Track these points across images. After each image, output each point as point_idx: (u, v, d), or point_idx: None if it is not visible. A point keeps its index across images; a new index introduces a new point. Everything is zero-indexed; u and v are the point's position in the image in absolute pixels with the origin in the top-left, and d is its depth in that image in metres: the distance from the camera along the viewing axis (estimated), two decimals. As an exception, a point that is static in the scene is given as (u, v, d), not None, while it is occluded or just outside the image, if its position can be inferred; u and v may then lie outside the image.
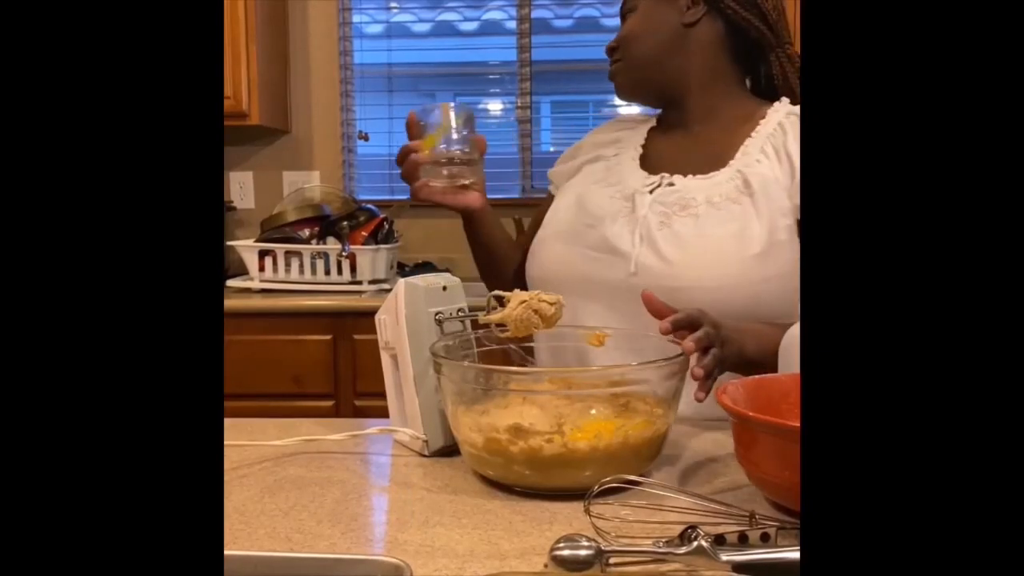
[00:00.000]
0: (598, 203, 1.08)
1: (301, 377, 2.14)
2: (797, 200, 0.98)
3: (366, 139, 2.78)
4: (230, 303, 2.13)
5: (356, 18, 2.76)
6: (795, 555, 0.58)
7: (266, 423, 1.03)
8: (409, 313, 0.89)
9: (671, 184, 1.05)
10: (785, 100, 1.08)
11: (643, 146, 1.14)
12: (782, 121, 1.04)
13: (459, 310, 0.93)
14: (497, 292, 0.90)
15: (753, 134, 1.05)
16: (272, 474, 0.84)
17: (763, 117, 1.07)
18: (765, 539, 0.63)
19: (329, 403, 2.15)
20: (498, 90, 2.82)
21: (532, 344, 0.99)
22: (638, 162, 1.12)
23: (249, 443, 0.93)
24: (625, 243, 1.02)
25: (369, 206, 2.45)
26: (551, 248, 1.11)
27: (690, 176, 1.05)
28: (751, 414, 0.70)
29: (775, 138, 1.03)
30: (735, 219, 0.99)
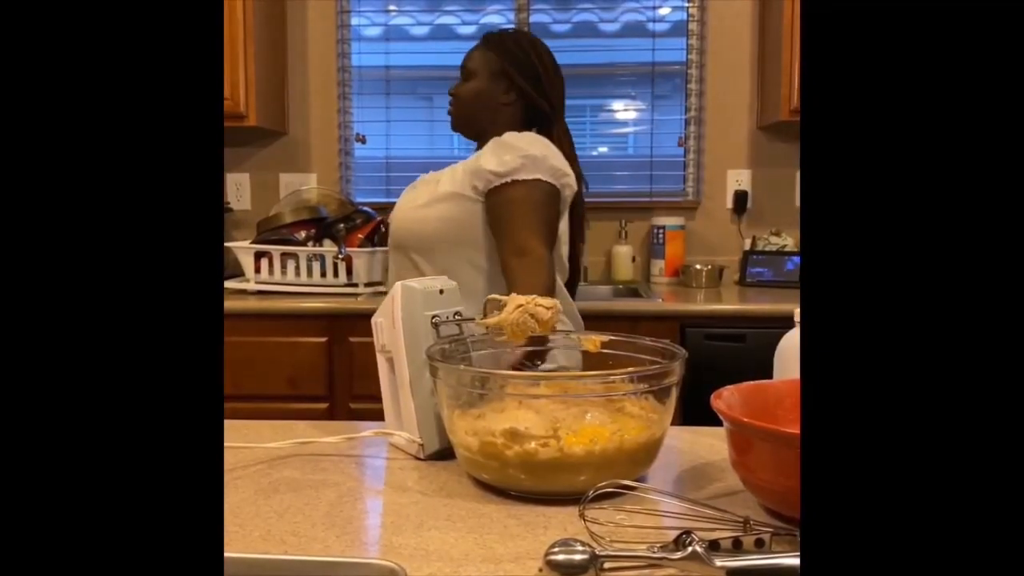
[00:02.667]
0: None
1: (296, 379, 2.14)
2: (474, 182, 1.46)
3: (363, 141, 2.78)
4: (226, 304, 2.13)
5: (354, 20, 2.76)
6: (790, 561, 0.58)
7: (261, 425, 1.03)
8: (406, 316, 0.89)
9: (423, 178, 1.63)
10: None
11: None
12: (490, 142, 1.51)
13: (455, 313, 0.93)
14: (494, 296, 0.90)
15: (473, 153, 1.57)
16: (267, 476, 0.84)
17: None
18: (759, 545, 0.63)
19: (324, 406, 2.14)
20: (496, 94, 2.82)
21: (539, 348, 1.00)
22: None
23: (244, 445, 0.93)
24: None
25: (366, 208, 2.45)
26: None
27: (432, 173, 1.62)
28: (746, 420, 0.71)
29: (482, 151, 1.51)
30: (421, 191, 1.55)
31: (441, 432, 0.88)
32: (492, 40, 1.62)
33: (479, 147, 1.60)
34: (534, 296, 0.88)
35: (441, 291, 0.92)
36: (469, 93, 1.60)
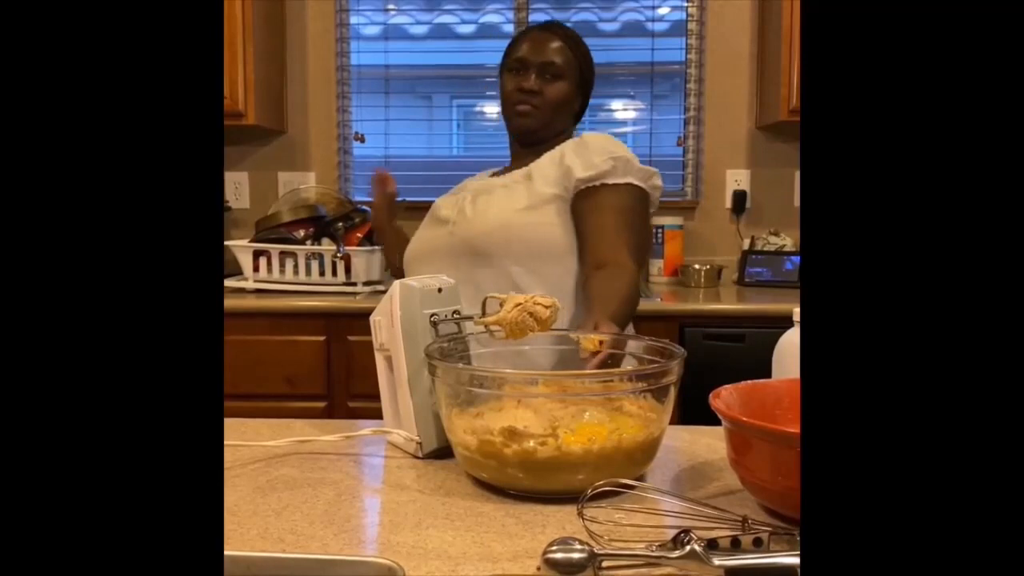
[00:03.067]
0: (444, 200, 1.52)
1: (294, 378, 2.14)
2: (565, 184, 1.35)
3: (362, 140, 2.78)
4: (224, 303, 2.12)
5: (353, 19, 2.76)
6: (788, 560, 0.58)
7: (259, 423, 1.03)
8: (404, 315, 0.88)
9: (483, 182, 1.51)
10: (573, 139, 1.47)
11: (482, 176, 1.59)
12: (564, 145, 1.44)
13: (454, 312, 0.93)
14: (493, 295, 0.90)
15: (558, 149, 1.44)
16: (265, 475, 0.84)
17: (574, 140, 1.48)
18: (758, 544, 0.63)
19: (322, 404, 2.14)
20: (495, 93, 2.81)
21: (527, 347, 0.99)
22: (484, 174, 1.57)
23: (242, 443, 0.93)
24: (449, 215, 1.44)
25: (364, 207, 2.45)
26: (417, 236, 1.54)
27: (506, 175, 1.48)
28: (744, 419, 0.71)
29: (556, 152, 1.42)
30: (512, 193, 1.39)
31: (440, 431, 0.88)
32: (571, 38, 1.49)
33: (531, 153, 1.47)
34: (533, 295, 0.88)
35: (439, 290, 0.92)
36: (560, 94, 1.45)
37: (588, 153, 1.36)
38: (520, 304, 0.86)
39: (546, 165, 1.41)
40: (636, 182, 1.35)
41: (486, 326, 0.88)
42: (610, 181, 1.34)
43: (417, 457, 0.89)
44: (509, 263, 1.34)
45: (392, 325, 0.89)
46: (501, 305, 0.88)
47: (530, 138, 1.48)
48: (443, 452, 0.88)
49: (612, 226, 1.31)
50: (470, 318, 0.92)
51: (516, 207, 1.36)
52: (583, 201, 1.34)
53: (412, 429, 0.89)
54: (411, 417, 0.89)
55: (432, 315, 0.90)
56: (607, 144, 1.38)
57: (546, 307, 0.86)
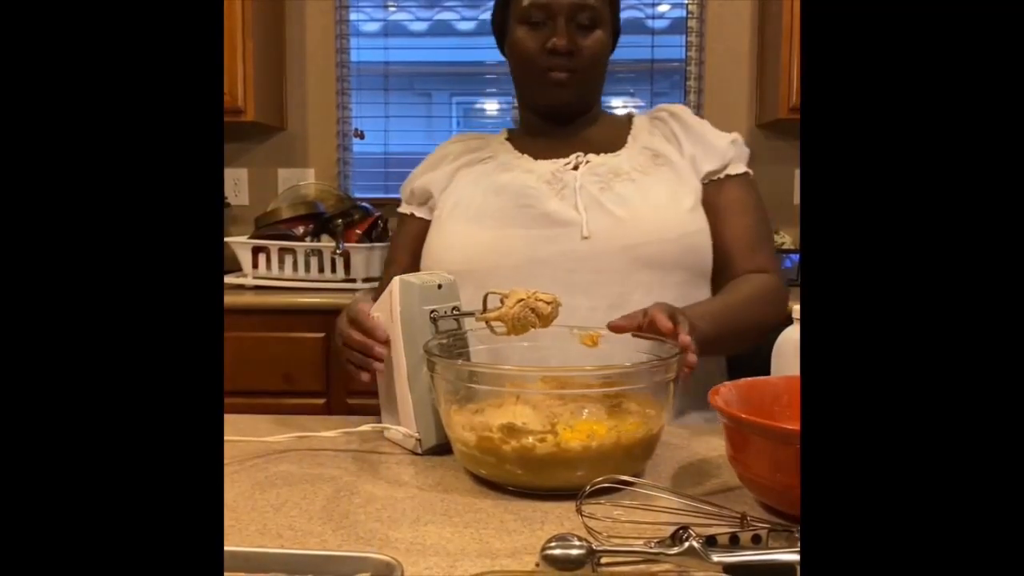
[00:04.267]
0: (520, 186, 1.09)
1: (293, 375, 2.14)
2: (693, 172, 1.11)
3: (362, 137, 2.77)
4: (223, 299, 2.12)
5: (353, 16, 2.76)
6: (786, 557, 0.58)
7: (258, 419, 1.03)
8: (404, 311, 0.88)
9: (589, 161, 1.11)
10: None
11: (515, 149, 1.18)
12: (658, 116, 1.17)
13: (454, 308, 0.93)
14: (494, 291, 0.90)
15: (634, 125, 1.17)
16: (263, 471, 0.84)
17: (629, 116, 1.20)
18: (756, 541, 0.63)
19: (321, 401, 2.14)
20: (495, 90, 2.82)
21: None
22: (527, 156, 1.15)
23: (241, 439, 0.93)
24: (570, 213, 1.05)
25: (364, 204, 2.44)
26: (481, 237, 1.08)
27: (602, 154, 1.12)
28: (743, 416, 0.71)
29: (659, 126, 1.16)
30: (664, 181, 1.08)
31: (439, 427, 0.88)
32: None
33: (567, 133, 1.15)
34: (535, 291, 0.87)
35: (440, 286, 0.91)
36: (599, 47, 1.10)
37: (701, 134, 1.12)
38: (523, 300, 0.86)
39: (661, 144, 1.12)
40: (748, 169, 1.14)
41: (487, 322, 0.88)
42: (733, 171, 1.11)
43: (416, 453, 0.89)
44: (676, 280, 1.04)
45: (392, 321, 0.89)
46: (502, 301, 0.88)
47: (563, 112, 1.14)
48: (442, 448, 0.88)
49: (755, 229, 1.09)
50: (471, 314, 0.92)
51: (685, 206, 1.06)
52: (711, 197, 1.10)
53: (411, 425, 0.89)
54: (410, 413, 0.89)
55: (432, 311, 0.90)
56: (705, 122, 1.15)
57: (547, 303, 0.86)
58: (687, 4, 2.69)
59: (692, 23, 2.68)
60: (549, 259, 1.04)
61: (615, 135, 1.16)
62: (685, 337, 0.82)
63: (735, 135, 1.15)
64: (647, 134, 1.14)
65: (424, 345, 0.86)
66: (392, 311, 0.89)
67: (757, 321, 1.05)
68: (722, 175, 1.11)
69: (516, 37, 1.11)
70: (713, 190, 1.10)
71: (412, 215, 1.23)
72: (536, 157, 1.14)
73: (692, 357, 0.82)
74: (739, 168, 1.12)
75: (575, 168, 1.10)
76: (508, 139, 1.21)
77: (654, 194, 1.06)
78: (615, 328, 0.88)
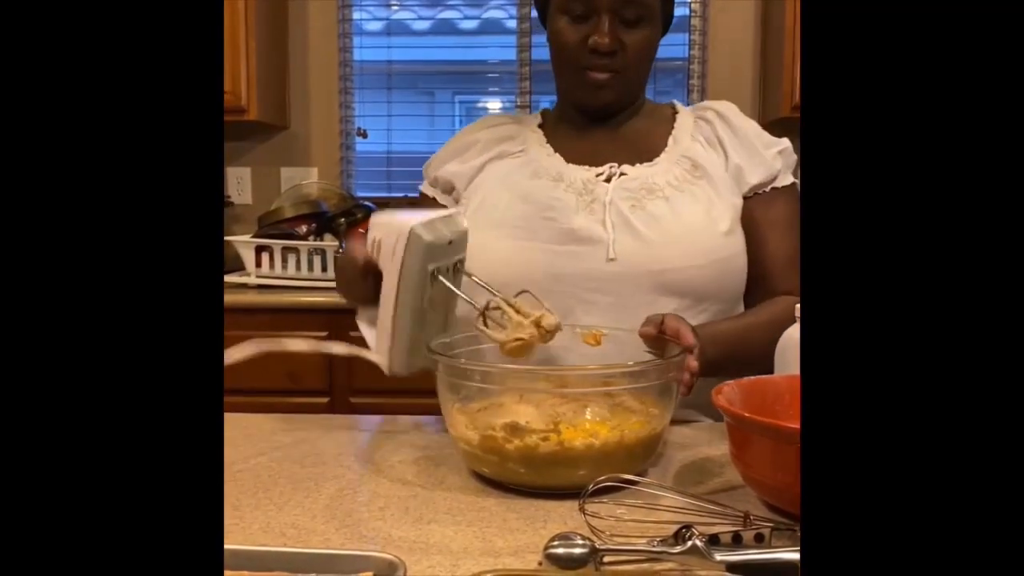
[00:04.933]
0: (547, 196, 1.03)
1: (296, 374, 2.14)
2: (736, 189, 1.04)
3: (365, 136, 2.77)
4: (226, 298, 2.12)
5: (356, 15, 2.76)
6: (789, 556, 0.58)
7: (261, 418, 1.03)
8: (407, 264, 0.85)
9: (623, 173, 1.05)
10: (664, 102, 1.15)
11: (548, 143, 1.11)
12: (703, 115, 1.09)
13: (458, 262, 0.89)
14: (499, 300, 0.85)
15: (676, 124, 1.09)
16: (267, 469, 0.84)
17: (673, 110, 1.13)
18: (759, 540, 0.63)
19: (324, 400, 2.14)
20: (497, 89, 2.82)
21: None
22: (559, 157, 1.08)
23: (244, 438, 0.93)
24: (596, 231, 1.00)
25: (367, 203, 2.45)
26: (500, 247, 1.03)
27: (637, 164, 1.05)
28: (746, 415, 0.70)
29: (703, 128, 1.08)
30: (699, 200, 1.02)
31: (411, 359, 0.87)
32: None
33: (605, 128, 1.09)
34: (541, 314, 0.84)
35: (450, 242, 0.87)
36: (646, 43, 1.03)
37: (749, 142, 1.05)
38: (541, 328, 0.83)
39: (702, 152, 1.05)
40: (796, 179, 1.06)
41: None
42: (780, 183, 1.04)
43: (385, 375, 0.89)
44: (704, 308, 1.00)
45: (391, 261, 0.85)
46: (518, 311, 0.85)
47: (606, 111, 1.09)
48: (413, 374, 0.88)
49: (795, 248, 1.02)
50: (470, 275, 0.89)
51: (720, 228, 1.01)
52: (754, 212, 1.03)
53: (384, 343, 0.87)
54: (385, 343, 0.87)
55: (435, 269, 0.86)
56: (754, 123, 1.07)
57: (549, 331, 0.84)
58: (690, 3, 2.68)
59: (695, 22, 2.68)
60: (570, 277, 0.99)
61: (655, 135, 1.09)
62: (692, 362, 0.82)
63: (785, 142, 1.08)
64: (689, 137, 1.07)
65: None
66: (394, 256, 0.85)
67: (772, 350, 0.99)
68: (768, 188, 1.04)
69: (556, 27, 1.04)
70: (756, 205, 1.04)
71: (435, 199, 1.16)
72: (568, 159, 1.08)
73: (693, 363, 0.82)
74: (787, 179, 1.05)
75: (607, 180, 1.05)
76: (542, 125, 1.14)
77: (687, 215, 1.00)
78: (646, 335, 0.86)
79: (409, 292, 0.86)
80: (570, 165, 1.07)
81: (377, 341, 0.89)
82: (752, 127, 1.08)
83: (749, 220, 1.04)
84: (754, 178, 1.04)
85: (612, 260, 0.99)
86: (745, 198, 1.04)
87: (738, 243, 1.02)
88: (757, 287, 1.05)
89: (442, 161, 1.15)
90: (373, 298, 0.89)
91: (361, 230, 0.91)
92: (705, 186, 1.03)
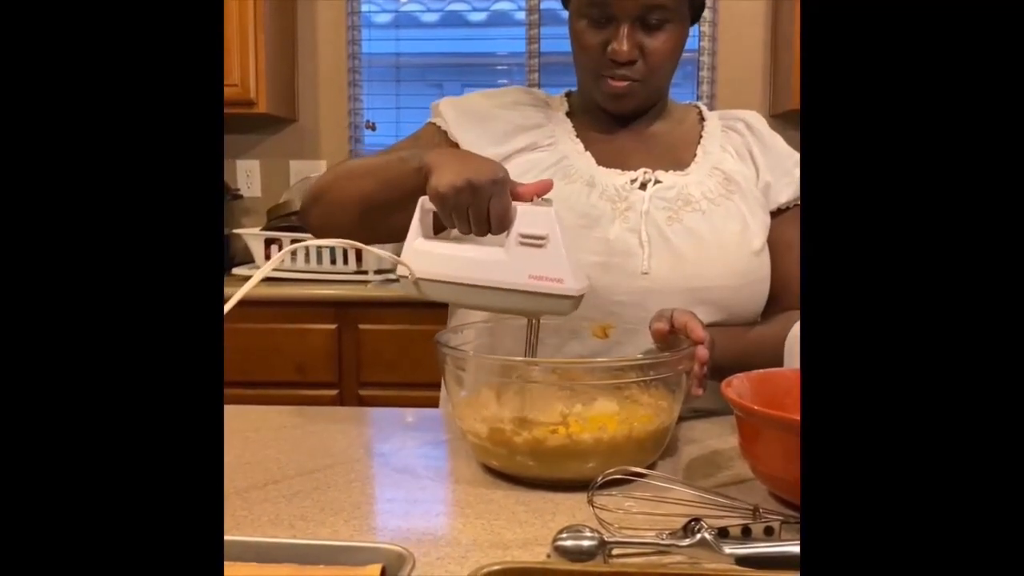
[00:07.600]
0: (583, 203, 0.98)
1: (305, 366, 2.14)
2: (764, 202, 1.03)
3: (373, 129, 2.77)
4: (235, 291, 2.13)
5: (364, 7, 2.75)
6: (798, 549, 0.58)
7: (270, 411, 1.04)
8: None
9: (659, 181, 1.00)
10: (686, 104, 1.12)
11: (578, 135, 1.05)
12: (732, 125, 1.08)
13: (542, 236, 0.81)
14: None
15: (705, 131, 1.07)
16: (276, 462, 0.85)
17: (699, 114, 1.11)
18: (769, 533, 0.62)
19: (333, 392, 2.15)
20: (506, 81, 2.81)
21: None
22: (589, 156, 1.03)
23: (254, 430, 0.93)
24: (631, 243, 0.96)
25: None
26: None
27: (670, 171, 1.02)
28: (756, 408, 0.70)
29: (732, 139, 1.06)
30: (734, 216, 0.99)
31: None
32: None
33: (627, 129, 1.05)
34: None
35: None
36: (669, 48, 0.98)
37: (778, 158, 1.04)
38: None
39: (733, 164, 1.03)
40: None
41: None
42: None
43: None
44: (731, 321, 0.98)
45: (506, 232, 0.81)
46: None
47: (637, 112, 1.05)
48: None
49: None
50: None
51: (753, 247, 0.99)
52: (780, 233, 1.01)
53: (565, 266, 0.80)
54: (561, 255, 0.80)
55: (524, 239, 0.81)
56: (781, 139, 1.06)
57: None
58: (700, -6, 2.67)
59: (705, 12, 2.65)
60: (601, 288, 0.94)
61: (684, 141, 1.06)
62: (703, 351, 0.81)
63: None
64: (718, 148, 1.05)
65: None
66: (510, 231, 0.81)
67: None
68: (793, 205, 1.03)
69: (576, 28, 0.99)
70: (783, 224, 1.02)
71: (447, 133, 1.07)
72: (599, 160, 1.02)
73: (704, 352, 0.81)
74: None
75: (642, 187, 1.00)
76: (569, 114, 1.08)
77: (724, 232, 0.97)
78: (658, 333, 0.85)
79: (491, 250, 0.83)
80: (600, 168, 1.02)
81: (553, 266, 0.80)
82: (781, 143, 1.07)
83: (772, 239, 1.02)
84: (782, 196, 1.03)
85: (645, 274, 0.95)
86: (770, 215, 1.04)
87: (767, 262, 1.01)
88: (773, 304, 1.03)
89: (460, 126, 1.06)
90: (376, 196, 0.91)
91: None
92: (739, 201, 1.00)
